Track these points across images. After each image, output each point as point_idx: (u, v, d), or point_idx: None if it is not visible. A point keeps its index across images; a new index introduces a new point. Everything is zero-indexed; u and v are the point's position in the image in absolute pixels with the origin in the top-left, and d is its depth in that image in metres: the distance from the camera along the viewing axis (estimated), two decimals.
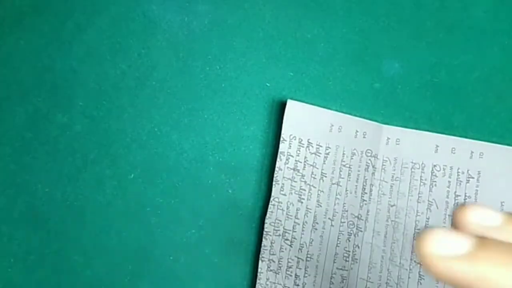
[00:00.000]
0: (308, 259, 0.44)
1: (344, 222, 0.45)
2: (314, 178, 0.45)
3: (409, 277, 0.44)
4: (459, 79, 0.47)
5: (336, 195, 0.45)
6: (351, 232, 0.45)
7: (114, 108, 0.46)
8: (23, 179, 0.45)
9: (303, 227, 0.45)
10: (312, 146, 0.45)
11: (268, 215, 0.44)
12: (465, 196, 0.45)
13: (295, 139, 0.45)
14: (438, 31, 0.48)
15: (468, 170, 0.46)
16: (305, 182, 0.45)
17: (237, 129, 0.46)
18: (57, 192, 0.45)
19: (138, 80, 0.46)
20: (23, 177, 0.46)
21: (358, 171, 0.45)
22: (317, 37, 0.47)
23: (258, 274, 0.44)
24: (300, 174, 0.45)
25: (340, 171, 0.45)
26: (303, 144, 0.45)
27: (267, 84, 0.47)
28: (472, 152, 0.46)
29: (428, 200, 0.45)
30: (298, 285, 0.44)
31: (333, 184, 0.45)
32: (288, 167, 0.45)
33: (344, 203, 0.45)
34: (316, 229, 0.45)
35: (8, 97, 0.46)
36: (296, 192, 0.45)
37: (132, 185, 0.45)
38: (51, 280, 0.44)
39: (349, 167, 0.45)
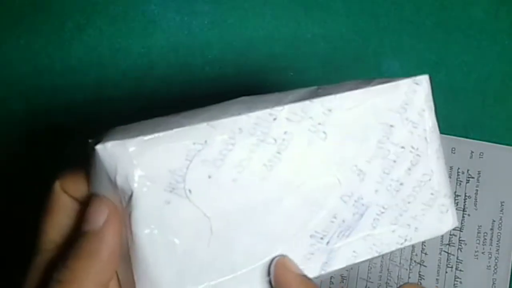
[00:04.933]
0: None
1: None
2: None
3: (409, 277, 0.44)
4: (459, 79, 0.47)
5: None
6: None
7: (113, 108, 0.46)
8: (22, 182, 0.45)
9: None
10: None
11: None
12: (465, 195, 0.45)
13: None
14: (438, 31, 0.48)
15: (468, 170, 0.46)
16: None
17: None
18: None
19: (138, 80, 0.46)
20: (22, 179, 0.45)
21: None
22: (317, 37, 0.47)
23: None
24: None
25: None
26: None
27: (267, 84, 0.47)
28: (472, 152, 0.46)
29: None
30: None
31: None
32: None
33: None
34: None
35: (7, 97, 0.46)
36: None
37: None
38: None
39: None
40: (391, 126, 0.27)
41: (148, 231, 0.23)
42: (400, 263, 0.45)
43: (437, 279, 0.44)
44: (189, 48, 0.47)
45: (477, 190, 0.45)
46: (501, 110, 0.47)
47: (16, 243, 0.45)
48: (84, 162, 0.25)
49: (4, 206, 0.45)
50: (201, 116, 0.25)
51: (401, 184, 0.27)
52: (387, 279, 0.44)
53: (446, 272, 0.44)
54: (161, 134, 0.24)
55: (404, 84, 0.27)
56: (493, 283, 0.44)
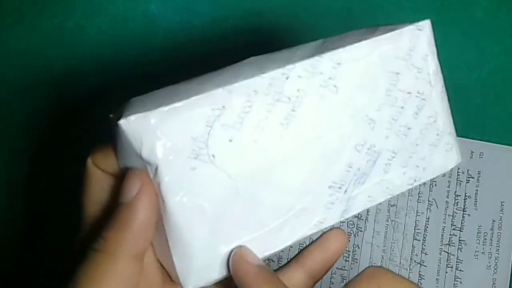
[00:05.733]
0: None
1: (344, 222, 0.45)
2: None
3: (409, 277, 0.44)
4: (459, 79, 0.47)
5: None
6: (351, 232, 0.45)
7: (115, 109, 0.46)
8: (21, 180, 0.45)
9: None
10: None
11: None
12: (465, 196, 0.45)
13: None
14: (438, 31, 0.48)
15: (468, 170, 0.45)
16: None
17: None
18: (56, 194, 0.45)
19: (139, 80, 0.46)
20: (21, 178, 0.45)
21: None
22: (317, 37, 0.47)
23: None
24: None
25: None
26: None
27: None
28: (472, 152, 0.46)
29: (428, 200, 0.45)
30: None
31: None
32: None
33: None
34: None
35: (7, 97, 0.46)
36: None
37: None
38: None
39: None
40: (398, 73, 0.28)
41: (178, 198, 0.24)
42: (400, 263, 0.45)
43: (437, 279, 0.44)
44: (189, 48, 0.47)
45: (477, 190, 0.45)
46: (501, 110, 0.47)
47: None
48: (109, 136, 0.26)
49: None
50: (215, 81, 0.25)
51: (409, 128, 0.28)
52: None
53: (446, 272, 0.44)
54: (180, 103, 0.24)
55: (408, 31, 0.28)
56: (493, 283, 0.44)
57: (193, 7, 0.47)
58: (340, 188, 0.27)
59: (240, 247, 0.26)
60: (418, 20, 0.28)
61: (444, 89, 0.29)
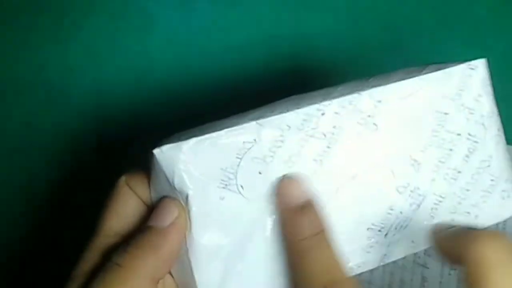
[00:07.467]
0: None
1: None
2: None
3: (411, 280, 0.44)
4: None
5: None
6: None
7: (112, 107, 0.45)
8: (20, 180, 0.45)
9: None
10: None
11: None
12: None
13: None
14: (440, 29, 0.48)
15: None
16: None
17: None
18: (54, 194, 0.45)
19: (137, 78, 0.46)
20: (20, 177, 0.45)
21: None
22: (318, 35, 0.47)
23: None
24: None
25: None
26: None
27: (268, 81, 0.46)
28: None
29: None
30: None
31: None
32: None
33: None
34: None
35: (3, 96, 0.45)
36: None
37: None
38: None
39: None
40: (446, 113, 0.27)
41: (206, 228, 0.25)
42: (402, 265, 0.44)
43: (440, 282, 0.44)
44: (189, 46, 0.47)
45: None
46: (502, 108, 0.46)
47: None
48: (144, 167, 0.27)
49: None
50: (250, 116, 0.26)
51: (459, 172, 0.27)
52: (390, 281, 0.44)
53: (450, 274, 0.44)
54: (212, 134, 0.25)
55: (458, 70, 0.27)
56: None
57: (192, 4, 0.47)
58: (380, 231, 0.26)
59: (285, 176, 0.25)
60: (470, 56, 0.27)
61: (500, 132, 0.28)
